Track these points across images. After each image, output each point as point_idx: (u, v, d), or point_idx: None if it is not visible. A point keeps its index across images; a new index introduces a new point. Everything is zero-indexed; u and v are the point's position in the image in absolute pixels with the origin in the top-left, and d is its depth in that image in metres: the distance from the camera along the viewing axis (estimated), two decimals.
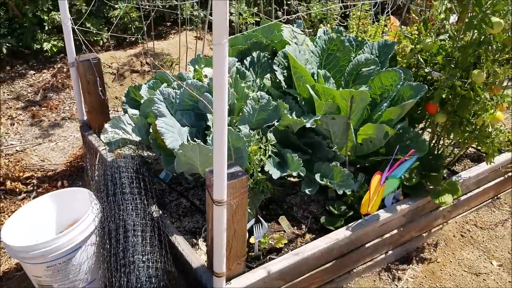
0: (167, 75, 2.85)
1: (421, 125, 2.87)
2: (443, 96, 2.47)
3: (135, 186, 2.35)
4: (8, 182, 3.20)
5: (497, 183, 3.02)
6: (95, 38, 4.95)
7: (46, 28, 4.66)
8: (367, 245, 2.46)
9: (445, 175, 2.87)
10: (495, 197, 3.10)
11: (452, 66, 2.40)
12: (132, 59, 4.76)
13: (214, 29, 1.45)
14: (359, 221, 2.39)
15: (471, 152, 3.24)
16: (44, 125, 4.02)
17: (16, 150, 3.66)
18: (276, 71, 2.67)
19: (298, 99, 2.58)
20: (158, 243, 2.20)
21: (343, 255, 2.38)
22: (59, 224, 2.52)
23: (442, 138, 2.79)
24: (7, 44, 4.65)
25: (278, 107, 2.52)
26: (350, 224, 2.38)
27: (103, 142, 2.69)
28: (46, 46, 4.66)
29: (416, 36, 2.56)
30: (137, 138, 2.66)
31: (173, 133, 2.40)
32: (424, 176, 2.58)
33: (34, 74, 4.68)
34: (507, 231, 2.86)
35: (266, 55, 2.89)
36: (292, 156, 2.37)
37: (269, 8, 5.09)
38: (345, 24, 3.46)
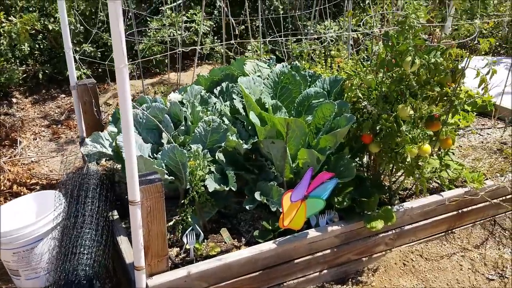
0: (146, 99, 3.27)
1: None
2: (377, 128, 2.69)
3: (97, 192, 2.74)
4: (15, 186, 3.71)
5: (449, 217, 3.12)
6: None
7: (77, 57, 5.30)
8: (296, 261, 2.66)
9: (395, 204, 3.03)
10: (449, 231, 3.18)
11: (382, 100, 2.62)
12: (148, 87, 5.27)
13: (114, 56, 1.82)
14: (288, 236, 2.62)
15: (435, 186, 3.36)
16: (61, 141, 4.57)
17: (31, 160, 4.21)
18: (235, 99, 3.00)
19: (245, 124, 2.88)
20: (104, 241, 2.55)
21: (270, 267, 2.60)
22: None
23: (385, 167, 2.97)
24: (46, 71, 5.34)
25: (229, 129, 2.84)
26: (278, 239, 2.61)
27: (82, 154, 3.12)
28: (76, 73, 5.29)
29: (355, 73, 2.80)
30: (111, 152, 3.07)
31: None
32: (357, 201, 2.77)
33: (64, 97, 5.32)
34: (450, 264, 2.94)
35: (234, 85, 3.24)
36: (229, 173, 2.66)
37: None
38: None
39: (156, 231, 2.26)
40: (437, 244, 3.11)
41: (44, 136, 4.63)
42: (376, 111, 2.64)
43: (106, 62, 3.96)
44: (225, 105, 3.04)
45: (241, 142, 2.68)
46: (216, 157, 2.79)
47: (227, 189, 2.62)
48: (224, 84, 3.24)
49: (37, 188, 3.77)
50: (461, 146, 4.00)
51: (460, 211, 3.15)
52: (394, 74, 2.49)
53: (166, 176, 2.65)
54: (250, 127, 2.87)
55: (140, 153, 2.82)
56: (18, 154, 4.24)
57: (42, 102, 5.21)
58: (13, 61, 5.21)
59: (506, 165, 3.43)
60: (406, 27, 2.22)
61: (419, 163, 2.68)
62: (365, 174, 3.09)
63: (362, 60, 2.88)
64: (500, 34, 6.67)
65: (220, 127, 2.84)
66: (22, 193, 3.68)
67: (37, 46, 5.41)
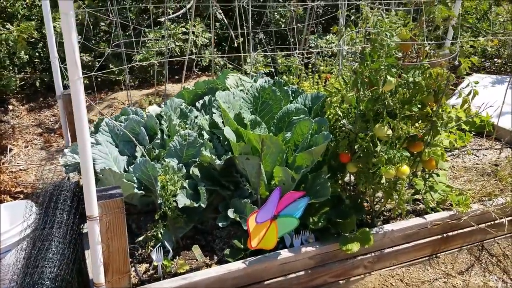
0: (128, 110, 3.23)
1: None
2: (355, 147, 2.61)
3: (68, 204, 2.70)
4: None
5: (434, 240, 3.00)
6: (117, 78, 5.54)
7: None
8: (267, 282, 2.58)
9: (377, 225, 2.94)
10: (433, 255, 3.06)
11: (360, 119, 2.54)
12: (143, 98, 5.26)
13: (68, 68, 1.79)
14: (258, 256, 2.54)
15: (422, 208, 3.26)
16: (52, 150, 4.56)
17: (20, 168, 4.20)
18: (215, 113, 2.95)
19: (221, 139, 2.83)
20: (70, 255, 2.50)
21: (241, 287, 2.52)
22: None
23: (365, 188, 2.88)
24: (44, 79, 5.38)
25: (205, 144, 2.79)
26: (248, 258, 2.53)
27: (60, 164, 3.09)
28: None
29: (335, 90, 2.73)
30: None
31: (106, 159, 2.74)
32: (333, 221, 2.68)
33: None
34: None
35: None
36: (201, 189, 2.60)
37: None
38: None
39: (116, 247, 2.20)
40: (419, 269, 2.99)
41: (36, 144, 4.63)
42: (354, 130, 2.56)
43: (92, 73, 3.92)
44: (205, 119, 2.99)
45: (214, 157, 2.62)
46: (191, 172, 2.73)
47: (197, 205, 2.55)
48: (206, 98, 3.19)
49: (21, 196, 3.75)
50: (454, 167, 3.88)
51: (445, 235, 3.03)
52: (369, 93, 2.41)
53: (135, 190, 2.60)
54: (226, 142, 2.82)
55: (115, 166, 2.79)
56: (6, 162, 4.24)
57: (38, 110, 5.23)
58: (11, 68, 5.25)
59: (495, 189, 3.31)
60: (377, 45, 2.15)
61: (397, 185, 2.58)
62: (347, 194, 3.00)
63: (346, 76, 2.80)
64: (506, 53, 6.55)
65: (196, 142, 2.79)
66: (5, 201, 3.66)
67: (36, 54, 5.45)
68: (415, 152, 2.74)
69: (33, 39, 5.31)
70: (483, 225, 3.09)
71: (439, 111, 2.60)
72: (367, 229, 2.70)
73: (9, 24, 4.96)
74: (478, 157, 4.08)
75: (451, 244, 3.10)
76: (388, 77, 2.21)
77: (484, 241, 3.20)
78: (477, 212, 2.98)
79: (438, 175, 2.97)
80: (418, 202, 3.30)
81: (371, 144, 2.47)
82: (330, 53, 6.00)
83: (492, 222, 3.09)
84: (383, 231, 2.80)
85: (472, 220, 3.00)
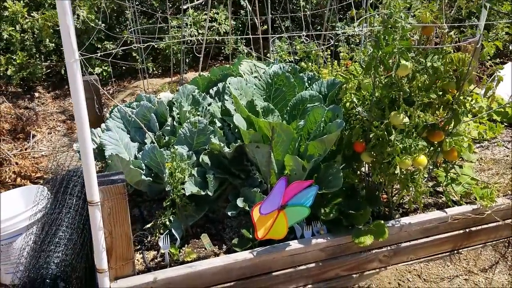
0: (143, 97, 3.20)
1: None
2: (370, 136, 2.49)
3: (78, 189, 2.69)
4: (19, 179, 3.75)
5: (455, 235, 2.85)
6: (141, 66, 5.54)
7: (99, 54, 5.35)
8: (276, 273, 2.50)
9: (395, 218, 2.82)
10: (454, 251, 2.91)
11: (375, 106, 2.42)
12: (165, 86, 5.25)
13: (64, 50, 1.75)
14: (266, 247, 2.47)
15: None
16: (74, 136, 4.60)
17: (42, 154, 4.26)
18: (227, 100, 2.88)
19: (231, 126, 2.76)
20: (77, 240, 2.49)
21: (247, 277, 2.45)
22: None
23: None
24: None
25: (215, 131, 2.72)
26: (256, 248, 2.46)
27: (74, 148, 3.09)
28: (98, 70, 5.37)
29: (350, 76, 2.61)
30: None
31: (116, 145, 2.71)
32: (345, 213, 2.57)
33: None
34: None
35: None
36: (209, 177, 2.54)
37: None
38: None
39: (119, 233, 2.17)
40: (439, 265, 2.85)
41: (59, 131, 4.69)
42: (369, 117, 2.44)
43: (109, 59, 3.92)
44: (217, 106, 2.92)
45: (222, 145, 2.56)
46: (201, 160, 2.68)
47: (204, 193, 2.50)
48: (220, 85, 3.13)
49: (41, 182, 3.80)
50: (481, 159, 3.68)
51: (467, 230, 2.87)
52: (385, 79, 2.28)
53: (143, 177, 2.57)
54: (236, 130, 2.74)
55: (125, 152, 2.76)
56: (29, 147, 4.30)
57: (63, 97, 5.30)
58: (37, 56, 5.32)
59: None
60: (390, 27, 2.01)
61: (414, 176, 2.45)
62: (363, 185, 2.88)
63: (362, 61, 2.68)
64: None
65: (207, 129, 2.73)
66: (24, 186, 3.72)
67: None
68: (436, 142, 2.59)
69: (59, 28, 5.36)
70: (510, 220, 2.91)
71: (460, 98, 2.45)
72: (382, 221, 2.59)
73: (34, 12, 5.02)
74: (508, 149, 3.86)
75: (474, 239, 2.94)
76: (402, 61, 2.07)
77: (511, 238, 3.02)
78: (502, 206, 2.81)
79: (461, 167, 2.81)
80: (441, 195, 3.14)
81: (386, 133, 2.35)
82: (358, 41, 5.82)
83: None
84: (399, 224, 2.68)
85: (497, 215, 2.83)
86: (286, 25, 6.48)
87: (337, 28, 6.00)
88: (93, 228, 2.06)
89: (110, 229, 2.13)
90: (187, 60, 5.77)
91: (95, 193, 1.98)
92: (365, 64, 2.50)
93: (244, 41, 6.44)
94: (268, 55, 5.45)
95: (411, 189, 2.48)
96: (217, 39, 5.73)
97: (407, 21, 2.02)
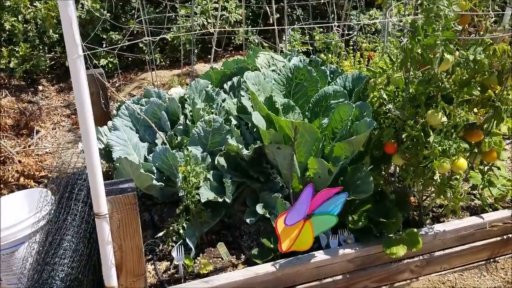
0: (152, 92, 2.98)
1: None
2: (403, 136, 2.26)
3: (84, 194, 2.49)
4: (22, 178, 3.56)
5: (491, 243, 2.63)
6: (147, 58, 5.31)
7: (104, 45, 5.14)
8: (300, 286, 2.30)
9: (426, 223, 2.61)
10: (491, 260, 2.69)
11: (409, 104, 2.19)
12: (173, 78, 5.02)
13: (66, 46, 1.53)
14: (290, 258, 2.26)
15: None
16: (79, 132, 4.39)
17: (46, 152, 4.06)
18: (243, 96, 2.66)
19: (249, 125, 2.53)
20: (84, 251, 2.30)
21: None
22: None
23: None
24: None
25: (231, 131, 2.50)
26: (279, 260, 2.25)
27: (79, 150, 2.89)
28: (103, 62, 5.15)
29: (380, 70, 2.37)
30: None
31: (125, 146, 2.50)
32: (375, 221, 2.35)
33: None
34: None
35: None
36: (226, 181, 2.33)
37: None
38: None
39: (130, 247, 1.97)
40: (474, 275, 2.64)
41: (64, 126, 4.49)
42: (402, 116, 2.21)
43: (116, 52, 3.70)
44: (233, 103, 2.70)
45: (241, 146, 2.34)
46: (216, 162, 2.46)
47: (221, 200, 2.29)
48: (235, 79, 2.90)
49: (45, 181, 3.60)
50: None
51: (505, 236, 2.65)
52: (422, 73, 2.05)
53: (154, 182, 2.36)
54: (255, 129, 2.52)
55: (134, 154, 2.55)
56: (33, 144, 4.11)
57: (67, 90, 5.09)
58: (41, 48, 5.11)
59: None
60: (433, 16, 1.77)
61: (452, 182, 2.23)
62: (390, 187, 2.66)
63: (391, 53, 2.44)
64: None
65: (222, 128, 2.51)
66: (29, 186, 3.52)
67: None
68: (473, 142, 2.36)
69: None
70: None
71: (503, 95, 2.21)
72: (415, 229, 2.37)
73: (37, 2, 4.80)
74: None
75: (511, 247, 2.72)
76: (446, 55, 1.84)
77: None
78: None
79: (499, 168, 2.58)
80: (473, 198, 2.92)
81: (422, 133, 2.12)
82: (374, 30, 5.55)
83: None
84: (433, 232, 2.46)
85: None
86: (297, 14, 6.23)
87: (351, 17, 5.74)
88: (100, 242, 1.85)
89: (120, 243, 1.92)
90: (195, 51, 5.53)
91: (103, 204, 1.78)
92: (395, 57, 2.27)
93: (255, 30, 6.19)
94: (281, 45, 5.20)
95: (448, 195, 2.25)
96: (228, 29, 5.49)
97: (452, 8, 1.77)
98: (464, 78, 2.18)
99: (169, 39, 5.31)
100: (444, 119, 2.11)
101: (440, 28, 1.78)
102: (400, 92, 2.30)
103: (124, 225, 1.90)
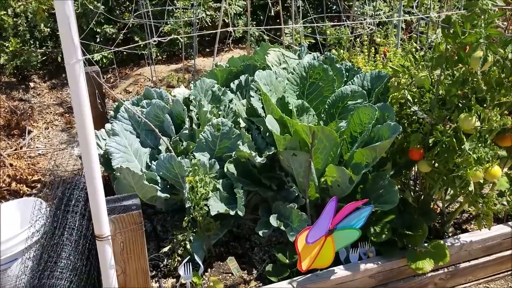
0: (153, 92, 2.77)
1: None
2: (430, 141, 2.08)
3: (82, 206, 2.29)
4: (14, 183, 3.35)
5: None
6: (143, 52, 5.08)
7: (98, 40, 4.90)
8: None
9: (448, 232, 2.45)
10: None
11: (438, 106, 2.00)
12: (171, 73, 4.80)
13: (64, 49, 1.33)
14: (308, 275, 2.08)
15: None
16: (73, 132, 4.18)
17: (39, 153, 3.85)
18: (253, 97, 2.45)
19: (261, 129, 2.34)
20: (82, 269, 2.10)
21: None
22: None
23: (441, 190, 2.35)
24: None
25: (242, 136, 2.31)
26: (296, 278, 2.07)
27: (75, 154, 2.69)
28: (97, 57, 4.91)
29: (403, 69, 2.18)
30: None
31: (125, 153, 2.30)
32: (398, 233, 2.18)
33: None
34: None
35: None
36: (238, 192, 2.14)
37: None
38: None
39: (134, 269, 1.78)
40: (501, 286, 2.47)
41: (57, 126, 4.26)
42: (430, 119, 2.02)
43: (112, 48, 3.48)
44: (241, 104, 2.50)
45: (253, 154, 2.14)
46: (225, 169, 2.27)
47: (233, 213, 2.10)
48: (243, 77, 2.69)
49: (38, 186, 3.39)
50: None
51: None
52: (456, 73, 1.86)
53: (159, 194, 2.16)
54: (268, 134, 2.33)
55: (136, 161, 2.35)
56: (25, 146, 3.89)
57: (60, 87, 4.85)
58: (31, 42, 4.86)
59: None
60: (477, 11, 1.58)
61: (483, 191, 2.05)
62: (411, 194, 2.48)
63: (414, 50, 2.25)
64: None
65: (232, 132, 2.32)
66: (21, 191, 3.31)
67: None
68: (504, 148, 2.18)
69: (54, 11, 4.89)
70: None
71: None
72: (441, 241, 2.20)
73: None
74: None
75: None
76: (490, 55, 1.65)
77: None
78: None
79: None
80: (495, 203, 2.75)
81: (454, 139, 1.93)
82: (377, 22, 5.35)
83: None
84: (459, 243, 2.29)
85: None
86: (297, 5, 6.00)
87: (355, 9, 5.53)
88: (102, 265, 1.66)
89: (124, 266, 1.73)
90: (193, 45, 5.30)
91: (105, 226, 1.59)
92: (425, 55, 2.08)
93: (254, 23, 5.97)
94: (284, 38, 4.99)
95: (479, 205, 2.08)
96: (227, 21, 5.26)
97: (496, 2, 1.58)
98: (498, 78, 1.99)
99: (166, 32, 5.08)
100: (478, 123, 1.93)
101: (483, 25, 1.59)
102: (427, 93, 2.11)
103: (128, 246, 1.71)
